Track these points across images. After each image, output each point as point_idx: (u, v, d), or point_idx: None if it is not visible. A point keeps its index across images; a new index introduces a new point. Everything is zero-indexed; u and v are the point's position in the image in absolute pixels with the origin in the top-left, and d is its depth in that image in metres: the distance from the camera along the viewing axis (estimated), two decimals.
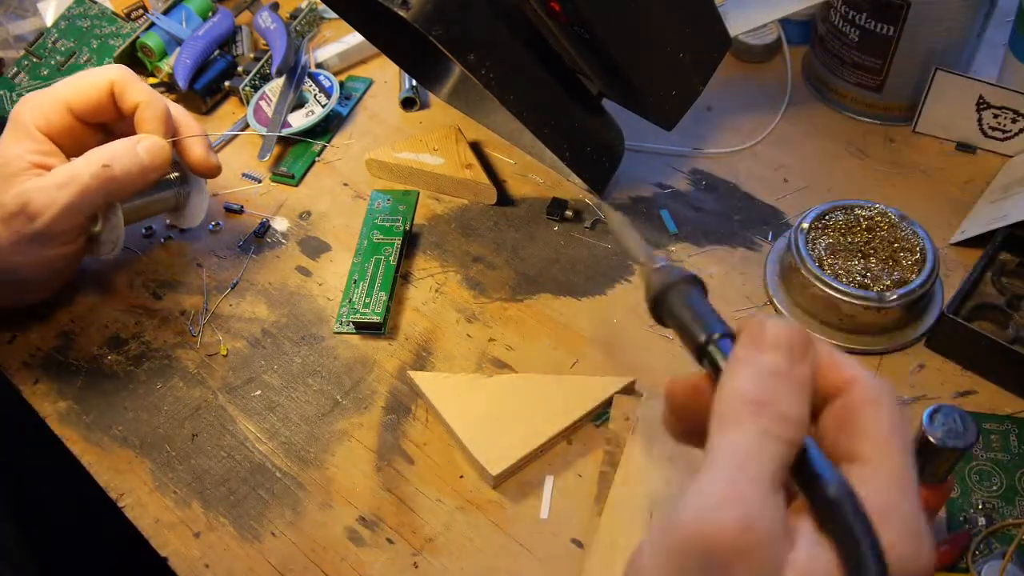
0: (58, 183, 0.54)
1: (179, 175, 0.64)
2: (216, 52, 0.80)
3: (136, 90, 0.59)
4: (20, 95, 0.77)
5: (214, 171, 0.62)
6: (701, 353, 0.33)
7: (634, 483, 0.50)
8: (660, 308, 0.36)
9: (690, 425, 0.33)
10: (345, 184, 0.72)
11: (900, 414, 0.30)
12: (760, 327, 0.31)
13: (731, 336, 0.33)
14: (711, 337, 0.33)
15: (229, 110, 0.79)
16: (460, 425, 0.54)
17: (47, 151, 0.56)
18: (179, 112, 0.61)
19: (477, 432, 0.53)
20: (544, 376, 0.57)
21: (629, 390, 0.56)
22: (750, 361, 0.30)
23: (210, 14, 0.82)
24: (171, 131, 0.60)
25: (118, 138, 0.59)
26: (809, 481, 0.28)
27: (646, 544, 0.28)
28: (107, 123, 0.61)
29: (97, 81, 0.58)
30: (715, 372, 0.33)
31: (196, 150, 0.61)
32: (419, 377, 0.57)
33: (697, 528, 0.26)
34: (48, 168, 0.55)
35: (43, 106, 0.57)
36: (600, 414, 0.55)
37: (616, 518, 0.49)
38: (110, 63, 0.78)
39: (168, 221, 0.68)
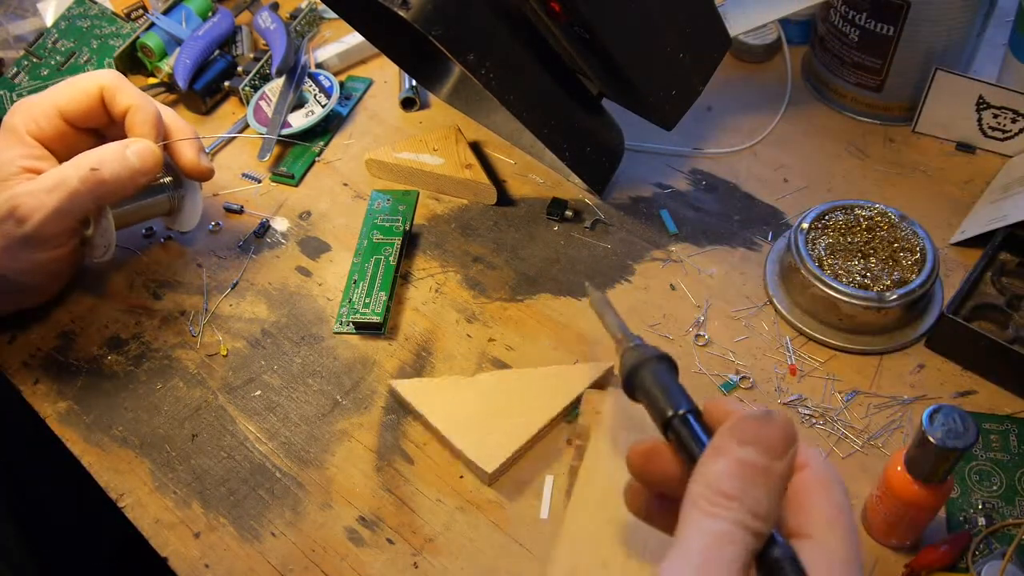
0: (47, 187, 0.54)
1: (172, 179, 0.64)
2: (216, 52, 0.80)
3: (126, 94, 0.58)
4: (20, 95, 0.77)
5: (206, 175, 0.62)
6: (667, 427, 0.35)
7: (599, 473, 0.50)
8: (631, 384, 0.38)
9: (651, 489, 0.36)
10: (345, 184, 0.72)
11: (846, 498, 0.33)
12: (744, 420, 0.32)
13: (696, 412, 0.35)
14: (676, 413, 0.35)
15: (229, 110, 0.79)
16: (449, 428, 0.54)
17: (38, 156, 0.56)
18: (171, 116, 0.61)
19: (468, 432, 0.53)
20: (525, 370, 0.57)
21: (608, 376, 0.56)
22: (729, 452, 0.31)
23: (210, 14, 0.82)
24: (162, 135, 0.60)
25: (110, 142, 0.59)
26: (772, 569, 0.31)
27: None
28: (99, 128, 0.61)
29: (87, 86, 0.58)
30: (679, 446, 0.35)
31: (188, 154, 0.61)
32: (402, 385, 0.56)
33: None
34: (39, 172, 0.55)
35: (34, 112, 0.57)
36: (572, 410, 0.55)
37: (582, 506, 0.49)
38: (110, 63, 0.78)
39: (165, 225, 0.68)
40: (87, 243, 0.60)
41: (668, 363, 0.38)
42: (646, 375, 0.37)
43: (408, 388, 0.56)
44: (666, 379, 0.37)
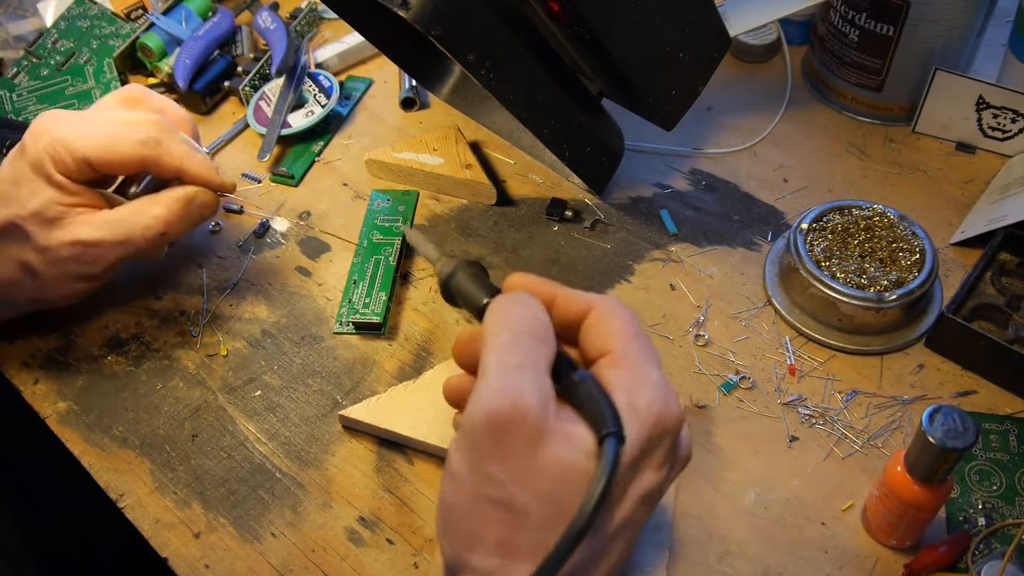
0: (114, 240, 0.55)
1: None
2: (216, 52, 0.80)
3: (171, 157, 0.56)
4: (20, 95, 0.77)
5: (229, 188, 0.61)
6: (481, 313, 0.42)
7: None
8: (449, 291, 0.45)
9: (472, 372, 0.41)
10: (345, 184, 0.72)
11: (633, 315, 0.40)
12: (511, 281, 0.42)
13: None
14: (487, 302, 0.42)
15: (229, 110, 0.79)
16: (423, 432, 0.53)
17: (73, 191, 0.56)
18: (189, 126, 0.61)
19: (443, 430, 0.53)
20: None
21: None
22: (505, 300, 0.40)
23: (210, 14, 0.82)
24: (217, 180, 0.59)
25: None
26: (560, 375, 0.38)
27: (452, 446, 0.37)
28: None
29: (127, 155, 0.55)
30: None
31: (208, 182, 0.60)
32: (355, 412, 0.55)
33: (481, 416, 0.35)
34: (84, 206, 0.56)
35: (64, 157, 0.54)
36: None
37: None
38: (110, 63, 0.78)
39: None
40: None
41: (477, 266, 0.44)
42: (460, 280, 0.44)
43: (360, 411, 0.55)
44: (477, 278, 0.43)
